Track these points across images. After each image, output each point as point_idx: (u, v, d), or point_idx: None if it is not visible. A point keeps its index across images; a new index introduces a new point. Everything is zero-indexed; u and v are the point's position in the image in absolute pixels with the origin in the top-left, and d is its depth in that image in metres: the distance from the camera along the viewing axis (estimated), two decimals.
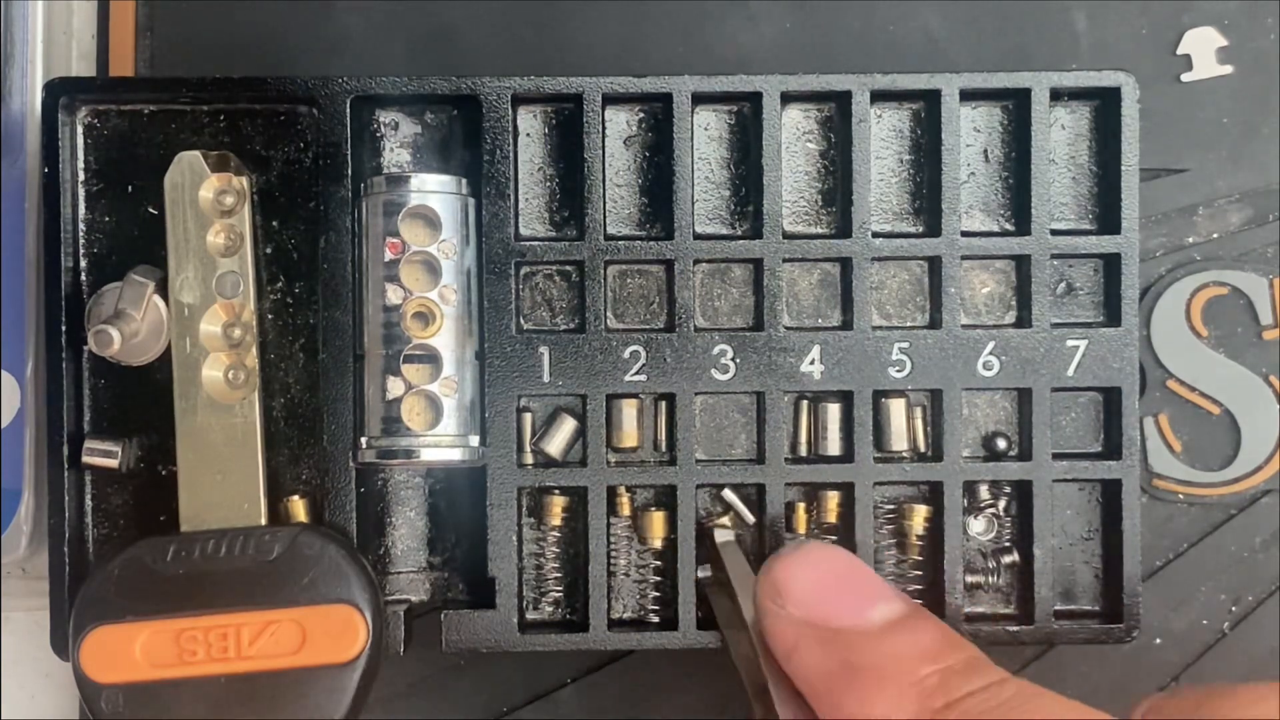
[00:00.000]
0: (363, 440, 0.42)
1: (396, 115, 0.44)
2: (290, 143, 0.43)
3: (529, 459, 0.44)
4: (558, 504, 0.44)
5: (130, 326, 0.41)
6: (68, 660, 0.41)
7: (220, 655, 0.39)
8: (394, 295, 0.41)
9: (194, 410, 0.41)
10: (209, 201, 0.41)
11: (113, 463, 0.43)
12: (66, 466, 0.43)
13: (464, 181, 0.42)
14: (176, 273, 0.41)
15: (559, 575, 0.44)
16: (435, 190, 0.41)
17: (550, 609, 0.44)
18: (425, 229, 0.41)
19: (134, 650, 0.39)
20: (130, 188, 0.43)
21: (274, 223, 0.43)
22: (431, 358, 0.41)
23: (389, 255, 0.41)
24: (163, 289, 0.42)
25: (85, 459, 0.43)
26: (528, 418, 0.43)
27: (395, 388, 0.41)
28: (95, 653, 0.39)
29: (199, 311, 0.41)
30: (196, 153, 0.41)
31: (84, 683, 0.39)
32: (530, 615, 0.44)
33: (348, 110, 0.42)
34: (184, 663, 0.39)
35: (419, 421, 0.41)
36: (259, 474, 0.41)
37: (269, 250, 0.43)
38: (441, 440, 0.41)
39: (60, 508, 0.42)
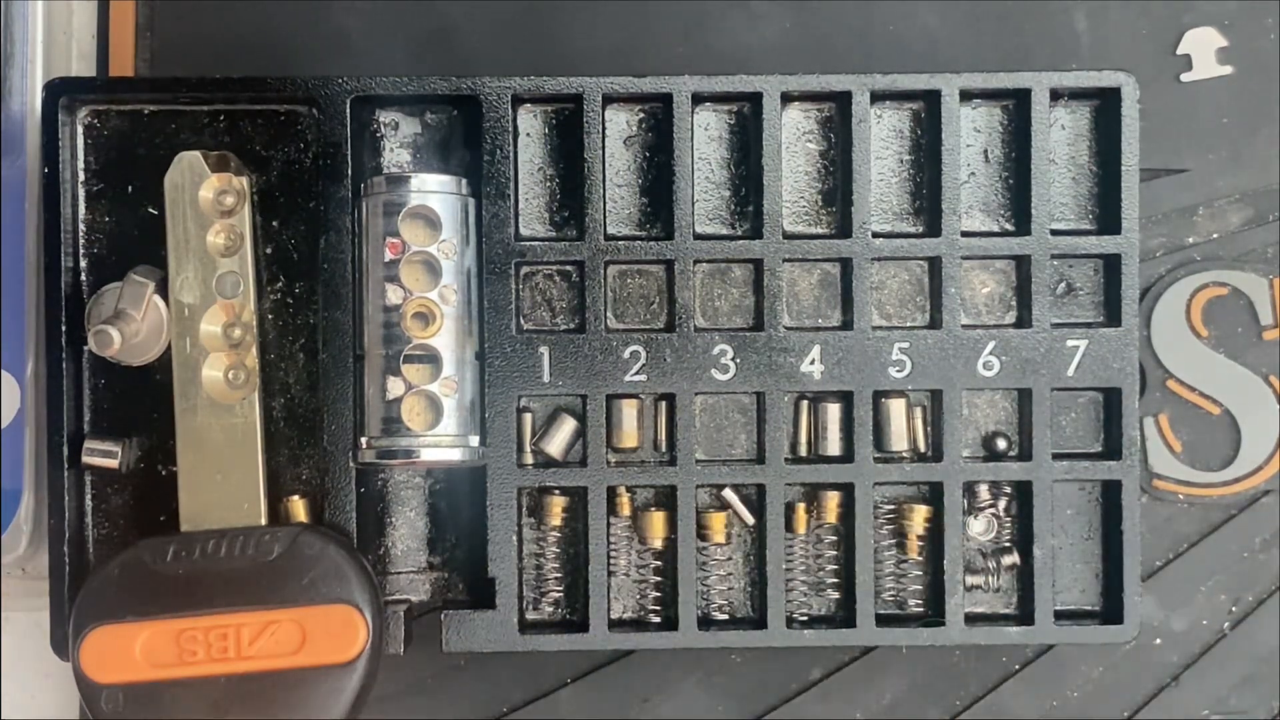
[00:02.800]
0: (363, 440, 0.42)
1: (396, 115, 0.44)
2: (290, 143, 0.43)
3: (529, 459, 0.43)
4: (558, 504, 0.44)
5: (130, 326, 0.41)
6: (68, 660, 0.41)
7: (220, 655, 0.39)
8: (394, 295, 0.41)
9: (194, 410, 0.41)
10: (209, 201, 0.41)
11: (113, 463, 0.43)
12: (66, 466, 0.42)
13: (464, 181, 0.42)
14: (176, 273, 0.41)
15: (559, 575, 0.44)
16: (435, 190, 0.41)
17: (550, 609, 0.44)
18: (425, 229, 0.41)
19: (134, 650, 0.39)
20: (130, 188, 0.43)
21: (274, 223, 0.43)
22: (431, 358, 0.41)
23: (389, 255, 0.41)
24: (163, 289, 0.42)
25: (85, 459, 0.43)
26: (528, 418, 0.43)
27: (395, 388, 0.41)
28: (95, 653, 0.39)
29: (199, 311, 0.41)
30: (196, 153, 0.41)
31: (84, 683, 0.39)
32: (530, 615, 0.44)
33: (348, 110, 0.42)
34: (184, 663, 0.39)
35: (419, 421, 0.41)
36: (259, 474, 0.41)
37: (269, 250, 0.43)
38: (441, 440, 0.41)
39: (60, 508, 0.42)
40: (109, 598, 0.40)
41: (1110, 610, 0.44)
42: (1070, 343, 0.43)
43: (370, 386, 0.42)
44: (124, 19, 0.47)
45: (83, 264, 0.43)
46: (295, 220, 0.43)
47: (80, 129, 0.43)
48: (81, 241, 0.43)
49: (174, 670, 0.39)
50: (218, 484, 0.41)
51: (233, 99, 0.43)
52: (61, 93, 0.42)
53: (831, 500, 0.44)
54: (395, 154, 0.44)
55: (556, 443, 0.43)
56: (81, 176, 0.43)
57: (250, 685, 0.39)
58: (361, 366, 0.42)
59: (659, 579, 0.44)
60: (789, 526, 0.44)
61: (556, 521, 0.44)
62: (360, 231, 0.42)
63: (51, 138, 0.42)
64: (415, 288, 0.41)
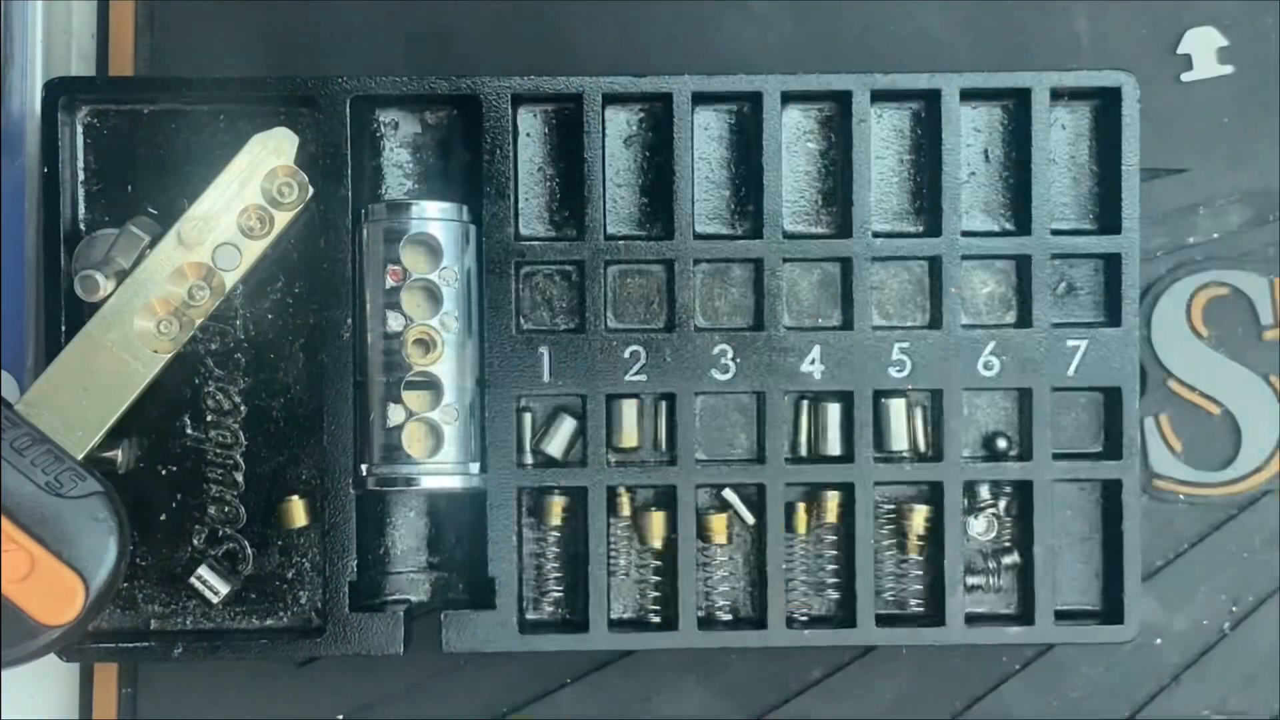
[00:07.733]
0: (363, 468, 0.42)
1: (396, 115, 0.44)
2: None
3: (529, 459, 0.43)
4: (558, 504, 0.44)
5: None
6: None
7: None
8: (395, 322, 0.41)
9: (107, 328, 0.40)
10: (269, 184, 0.41)
11: (113, 462, 0.43)
12: None
13: (465, 208, 0.42)
14: (195, 209, 0.41)
15: (559, 575, 0.44)
16: (436, 218, 0.41)
17: (550, 609, 0.44)
18: (426, 256, 0.41)
19: None
20: (130, 188, 0.43)
21: None
22: (432, 384, 0.41)
23: (390, 282, 0.41)
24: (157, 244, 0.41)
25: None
26: (528, 418, 0.43)
27: (396, 415, 0.41)
28: None
29: (179, 257, 0.41)
30: (294, 136, 0.41)
31: None
32: (530, 615, 0.44)
33: (348, 110, 0.42)
34: None
35: (419, 449, 0.41)
36: (111, 419, 0.41)
37: (269, 250, 0.43)
38: (442, 468, 0.41)
39: None
40: None
41: (1110, 610, 0.44)
42: (1070, 342, 0.43)
43: (372, 413, 0.42)
44: (124, 19, 0.47)
45: None
46: (295, 220, 0.43)
47: (80, 129, 0.43)
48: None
49: None
50: (74, 398, 0.40)
51: (233, 99, 0.43)
52: (61, 93, 0.42)
53: (831, 500, 0.44)
54: (395, 154, 0.44)
55: (556, 443, 0.43)
56: (81, 176, 0.43)
57: None
58: (363, 393, 0.42)
59: (659, 579, 0.44)
60: (789, 526, 0.44)
61: (556, 521, 0.44)
62: (360, 257, 0.42)
63: (51, 138, 0.42)
64: (416, 315, 0.41)
